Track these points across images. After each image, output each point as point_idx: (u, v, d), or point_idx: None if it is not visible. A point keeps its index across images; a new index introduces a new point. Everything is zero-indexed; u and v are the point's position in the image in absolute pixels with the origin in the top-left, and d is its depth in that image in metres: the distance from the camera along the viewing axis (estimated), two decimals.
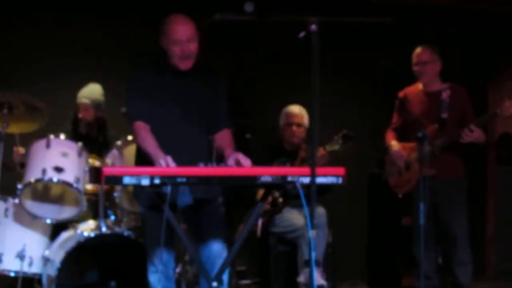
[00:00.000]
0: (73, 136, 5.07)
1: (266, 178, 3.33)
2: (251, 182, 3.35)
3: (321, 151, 5.17)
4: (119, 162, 4.85)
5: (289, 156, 5.47)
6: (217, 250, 3.78)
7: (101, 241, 4.63)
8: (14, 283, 4.68)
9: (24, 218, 4.73)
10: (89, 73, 5.55)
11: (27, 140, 4.84)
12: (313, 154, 3.24)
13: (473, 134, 4.75)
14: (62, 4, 6.06)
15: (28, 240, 4.76)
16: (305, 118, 5.59)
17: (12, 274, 4.72)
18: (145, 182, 3.17)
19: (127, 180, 3.16)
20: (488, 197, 7.17)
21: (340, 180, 3.41)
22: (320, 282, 5.02)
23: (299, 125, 5.58)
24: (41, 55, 5.96)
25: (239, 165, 3.55)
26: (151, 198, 3.50)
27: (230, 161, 3.62)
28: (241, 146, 3.90)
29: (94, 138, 5.31)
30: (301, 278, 5.09)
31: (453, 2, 6.88)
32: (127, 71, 3.94)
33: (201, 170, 3.30)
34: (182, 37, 3.75)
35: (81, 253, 4.54)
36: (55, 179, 4.56)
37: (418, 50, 5.09)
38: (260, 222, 5.40)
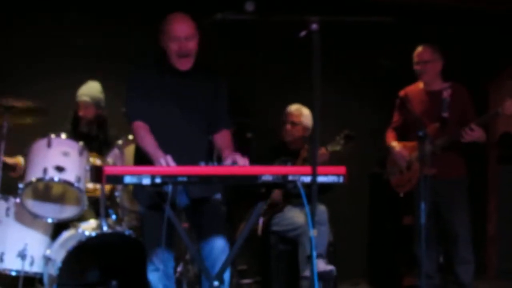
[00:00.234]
0: (74, 135, 5.07)
1: (267, 177, 3.33)
2: (252, 182, 3.35)
3: (322, 150, 5.18)
4: (120, 161, 4.85)
5: (291, 155, 5.47)
6: (220, 246, 3.78)
7: (102, 240, 4.63)
8: (15, 282, 4.68)
9: (25, 217, 4.74)
10: (89, 73, 5.53)
11: (27, 140, 4.83)
12: (314, 154, 3.24)
13: (474, 134, 4.75)
14: (62, 4, 6.06)
15: (29, 240, 4.76)
16: (303, 117, 5.58)
17: (13, 274, 4.72)
18: (146, 181, 3.17)
19: (128, 179, 3.16)
20: (489, 196, 7.17)
21: (341, 179, 3.41)
22: (328, 268, 5.03)
23: (294, 123, 5.58)
24: (41, 55, 5.96)
25: (236, 165, 3.55)
26: (151, 197, 3.49)
27: (228, 162, 3.62)
28: (242, 145, 3.91)
29: (94, 136, 5.31)
30: (307, 273, 5.09)
31: (454, 2, 6.88)
32: (127, 71, 3.94)
33: (202, 169, 3.30)
34: (180, 34, 3.75)
35: (82, 252, 4.55)
36: (56, 179, 4.56)
37: (419, 49, 5.09)
38: (261, 221, 5.41)
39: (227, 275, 3.72)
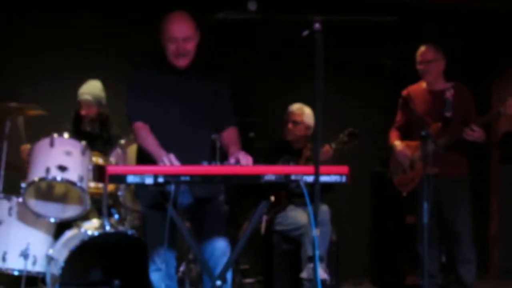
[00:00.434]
0: (76, 134, 5.08)
1: (270, 177, 3.32)
2: (254, 181, 3.34)
3: (326, 148, 5.19)
4: (123, 161, 4.85)
5: (294, 154, 5.47)
6: (221, 248, 3.77)
7: (104, 239, 4.63)
8: (18, 282, 4.68)
9: (28, 217, 4.74)
10: (89, 72, 5.54)
11: (31, 138, 4.84)
12: (317, 153, 3.24)
13: (474, 134, 4.75)
14: (62, 4, 6.07)
15: (32, 239, 4.76)
16: (305, 116, 5.58)
17: (16, 273, 4.72)
18: (149, 180, 3.17)
19: (130, 178, 3.16)
20: (491, 196, 7.16)
21: (344, 179, 3.41)
22: (323, 277, 5.03)
23: (296, 122, 5.57)
24: (41, 55, 5.97)
25: (239, 163, 3.55)
26: (153, 197, 3.49)
27: (231, 160, 3.61)
28: (245, 144, 3.90)
29: (97, 135, 5.32)
30: (304, 274, 5.10)
31: (456, 1, 6.88)
32: (127, 71, 3.93)
33: (204, 168, 3.30)
34: (178, 35, 3.72)
35: (84, 251, 4.55)
36: (58, 178, 4.56)
37: (422, 49, 5.09)
38: (264, 219, 5.41)
39: (229, 275, 3.72)
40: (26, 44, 5.98)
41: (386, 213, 6.43)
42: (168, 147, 3.57)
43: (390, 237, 6.34)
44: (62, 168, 4.57)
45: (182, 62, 3.78)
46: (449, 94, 4.97)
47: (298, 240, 5.26)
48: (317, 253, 3.25)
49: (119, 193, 4.90)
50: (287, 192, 5.36)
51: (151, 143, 3.64)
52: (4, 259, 4.69)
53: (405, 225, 6.06)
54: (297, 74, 6.14)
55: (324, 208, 5.26)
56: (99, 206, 4.92)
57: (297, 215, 5.32)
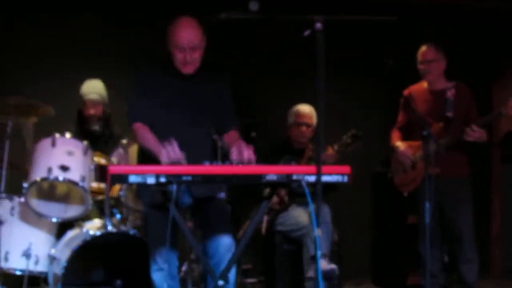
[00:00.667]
0: (82, 134, 5.08)
1: (272, 177, 3.33)
2: (256, 181, 3.35)
3: (330, 150, 5.18)
4: (125, 160, 4.85)
5: (296, 154, 5.47)
6: (226, 244, 3.77)
7: (107, 239, 4.63)
8: (20, 281, 4.68)
9: (30, 216, 4.74)
10: (89, 72, 5.54)
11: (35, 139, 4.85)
12: (319, 153, 3.25)
13: (475, 134, 4.76)
14: (62, 4, 6.07)
15: (34, 239, 4.76)
16: (313, 118, 5.57)
17: (18, 273, 4.72)
18: (151, 180, 3.18)
19: (132, 178, 3.17)
20: (493, 196, 7.17)
21: (345, 179, 3.41)
22: (330, 267, 5.02)
23: (309, 125, 5.57)
24: (41, 55, 5.97)
25: (242, 154, 3.54)
26: (155, 197, 3.50)
27: (233, 151, 3.59)
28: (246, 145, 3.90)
29: (102, 134, 5.32)
30: (311, 273, 5.09)
31: (457, 1, 6.88)
32: (129, 70, 3.94)
33: (206, 168, 3.30)
34: (185, 43, 3.71)
35: (87, 251, 4.55)
36: (60, 178, 4.56)
37: (423, 48, 5.09)
38: (265, 220, 5.41)
39: (232, 274, 3.72)
40: (26, 44, 5.98)
41: (387, 213, 6.43)
42: None
43: (392, 237, 6.34)
44: (64, 168, 4.57)
45: (188, 70, 3.79)
46: (450, 94, 4.97)
47: (300, 240, 5.26)
48: (319, 252, 3.26)
49: (121, 193, 4.90)
50: (289, 192, 5.36)
51: (151, 141, 3.64)
52: (6, 259, 4.68)
53: (406, 225, 6.07)
54: (298, 74, 6.14)
55: (326, 209, 5.26)
56: (101, 206, 4.92)
57: (298, 215, 5.32)
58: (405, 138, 5.20)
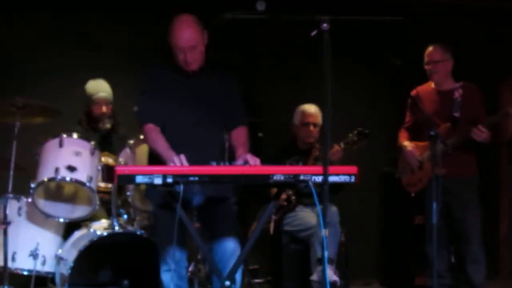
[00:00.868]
0: (93, 134, 5.09)
1: (279, 177, 3.33)
2: (263, 181, 3.35)
3: (336, 147, 5.18)
4: (132, 161, 4.85)
5: (302, 154, 5.46)
6: (231, 248, 3.78)
7: (113, 240, 4.63)
8: (28, 282, 4.69)
9: (37, 217, 4.75)
10: (92, 72, 5.53)
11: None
12: (326, 153, 3.24)
13: (482, 135, 4.74)
14: (62, 4, 6.08)
15: (41, 239, 4.77)
16: (319, 118, 5.57)
17: (25, 273, 4.73)
18: (158, 181, 3.18)
19: (139, 179, 3.17)
20: (500, 197, 7.14)
21: (352, 179, 3.41)
22: (333, 279, 5.01)
23: (315, 125, 5.57)
24: (41, 55, 5.98)
25: (247, 164, 3.55)
26: (163, 197, 3.50)
27: (239, 163, 3.62)
28: (253, 144, 3.90)
29: (114, 132, 5.33)
30: (315, 277, 5.08)
31: (465, 0, 6.86)
32: (135, 70, 3.94)
33: (213, 169, 3.30)
34: (184, 44, 3.72)
35: (94, 252, 4.55)
36: (68, 178, 4.56)
37: (430, 49, 5.08)
38: (272, 220, 5.40)
39: (239, 275, 3.72)
40: (26, 44, 5.99)
41: (394, 213, 6.42)
42: (180, 148, 3.57)
43: (399, 238, 6.32)
44: (71, 168, 4.58)
45: (191, 68, 3.80)
46: (457, 94, 4.96)
47: (307, 241, 5.25)
48: (326, 253, 3.25)
49: (128, 193, 4.90)
50: (296, 192, 5.35)
51: (161, 145, 3.65)
52: (13, 259, 4.69)
53: (414, 226, 6.05)
54: (304, 74, 6.13)
55: (333, 209, 5.24)
56: (108, 206, 4.92)
57: (306, 216, 5.31)
58: (412, 138, 5.19)
